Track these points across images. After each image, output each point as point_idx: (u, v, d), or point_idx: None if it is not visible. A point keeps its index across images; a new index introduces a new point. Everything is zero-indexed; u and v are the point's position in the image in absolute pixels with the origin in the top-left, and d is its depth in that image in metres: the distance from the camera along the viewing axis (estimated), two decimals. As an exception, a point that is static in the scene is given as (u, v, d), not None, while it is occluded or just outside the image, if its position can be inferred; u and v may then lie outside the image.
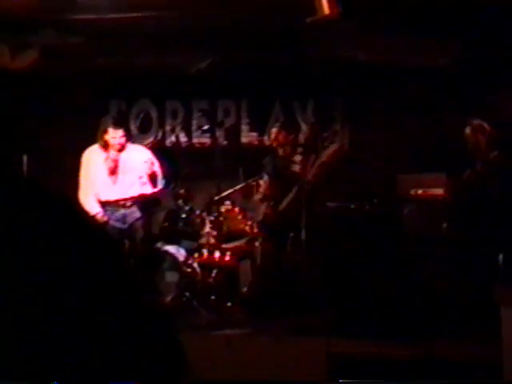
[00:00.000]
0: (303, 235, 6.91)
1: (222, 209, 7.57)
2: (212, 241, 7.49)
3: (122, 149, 7.42)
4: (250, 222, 7.55)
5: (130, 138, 7.68)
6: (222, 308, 7.11)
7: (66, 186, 7.13)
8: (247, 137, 9.34)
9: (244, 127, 9.34)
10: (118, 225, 7.38)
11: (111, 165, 7.43)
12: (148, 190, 7.48)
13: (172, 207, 8.12)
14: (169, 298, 7.20)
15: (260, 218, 7.58)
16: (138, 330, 0.90)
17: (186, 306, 7.14)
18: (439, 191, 7.50)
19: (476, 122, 7.20)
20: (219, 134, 8.97)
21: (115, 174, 7.44)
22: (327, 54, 8.29)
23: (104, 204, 7.41)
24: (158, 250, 7.70)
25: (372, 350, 5.81)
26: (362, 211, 7.50)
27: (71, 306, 0.86)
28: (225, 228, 7.53)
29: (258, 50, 8.27)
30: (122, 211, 7.42)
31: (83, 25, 7.64)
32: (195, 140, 9.44)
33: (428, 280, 7.05)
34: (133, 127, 9.35)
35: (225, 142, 8.98)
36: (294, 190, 7.13)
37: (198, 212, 7.75)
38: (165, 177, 7.59)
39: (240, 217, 7.57)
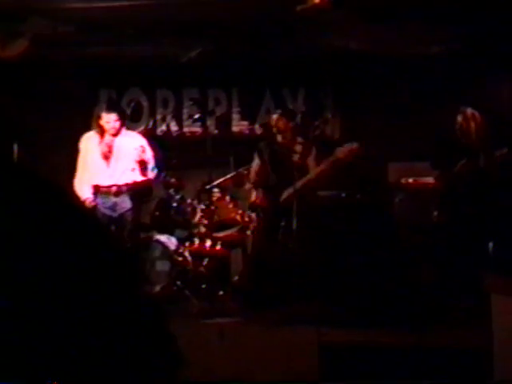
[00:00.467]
0: (294, 224, 6.91)
1: (213, 197, 7.57)
2: (203, 230, 7.49)
3: (116, 133, 7.44)
4: (241, 211, 7.55)
5: (124, 122, 7.66)
6: (213, 297, 7.12)
7: (55, 174, 7.09)
8: (238, 126, 9.33)
9: (235, 116, 9.33)
10: (108, 212, 7.38)
11: (105, 149, 7.44)
12: (139, 177, 7.48)
13: (163, 196, 8.11)
14: (160, 287, 7.21)
15: (251, 202, 7.53)
16: (127, 319, 0.90)
17: (177, 294, 7.15)
18: (430, 180, 7.54)
19: (468, 110, 7.21)
20: (210, 122, 8.97)
21: (109, 158, 7.44)
22: (317, 43, 8.28)
23: (96, 190, 7.41)
24: (149, 238, 7.70)
25: (363, 339, 5.83)
26: (353, 200, 7.52)
27: (60, 295, 0.86)
28: (216, 217, 7.53)
29: (249, 39, 8.25)
30: (113, 199, 7.42)
31: (74, 13, 7.60)
32: (186, 129, 9.42)
33: (418, 268, 7.09)
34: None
35: (216, 131, 8.97)
36: (299, 184, 7.05)
37: (189, 201, 7.75)
38: (157, 165, 7.58)
39: (231, 206, 7.58)
